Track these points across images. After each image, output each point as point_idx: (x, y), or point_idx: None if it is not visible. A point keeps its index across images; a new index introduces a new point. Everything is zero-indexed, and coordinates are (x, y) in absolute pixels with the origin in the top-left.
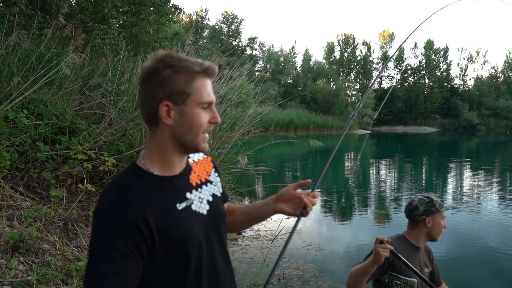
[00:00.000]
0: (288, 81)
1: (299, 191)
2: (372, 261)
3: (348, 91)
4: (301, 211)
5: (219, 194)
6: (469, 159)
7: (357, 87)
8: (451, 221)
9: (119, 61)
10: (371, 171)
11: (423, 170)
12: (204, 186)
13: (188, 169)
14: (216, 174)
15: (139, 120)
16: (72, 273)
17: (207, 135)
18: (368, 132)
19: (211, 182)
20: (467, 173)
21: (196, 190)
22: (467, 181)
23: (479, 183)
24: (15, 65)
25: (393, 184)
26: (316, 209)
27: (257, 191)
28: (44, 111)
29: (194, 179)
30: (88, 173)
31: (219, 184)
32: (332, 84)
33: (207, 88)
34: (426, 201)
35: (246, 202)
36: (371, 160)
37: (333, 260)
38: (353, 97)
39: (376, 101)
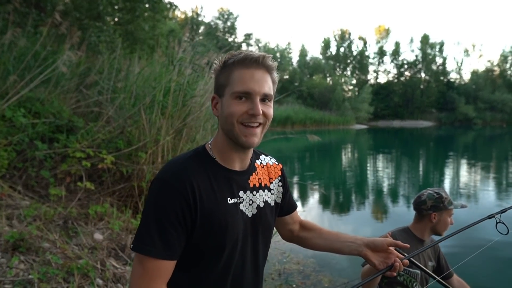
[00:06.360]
0: (285, 77)
1: (392, 248)
2: None
3: (344, 86)
4: (386, 269)
5: (272, 204)
6: (467, 152)
7: (354, 82)
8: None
9: (115, 59)
10: (370, 166)
11: (423, 164)
12: (260, 191)
13: (251, 169)
14: (280, 184)
15: (137, 117)
16: (73, 271)
17: (254, 130)
18: (365, 127)
19: (269, 189)
20: (465, 166)
21: (251, 192)
22: (465, 174)
23: (477, 175)
24: (10, 63)
25: (392, 178)
26: (316, 203)
27: None
28: (41, 109)
29: (253, 180)
30: (86, 171)
31: (279, 194)
32: (328, 79)
33: (245, 79)
34: (435, 196)
35: None
36: (369, 154)
37: (333, 255)
38: (350, 92)
39: (373, 95)
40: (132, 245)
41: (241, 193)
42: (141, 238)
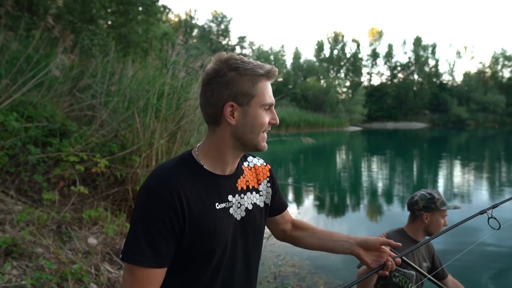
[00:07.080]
0: (279, 80)
1: (384, 247)
2: None
3: (338, 89)
4: (378, 268)
5: (262, 205)
6: (460, 153)
7: (347, 84)
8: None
9: (108, 62)
10: (364, 168)
11: (416, 165)
12: (248, 193)
13: (239, 172)
14: (269, 185)
15: (130, 121)
16: (67, 276)
17: (265, 134)
18: (359, 128)
19: (257, 191)
20: (458, 166)
21: (239, 195)
22: (458, 174)
23: (470, 175)
24: (3, 67)
25: (387, 179)
26: (311, 205)
27: None
28: (34, 113)
29: (241, 183)
30: (80, 175)
31: (268, 195)
32: (322, 81)
33: (269, 91)
34: (427, 197)
35: None
36: (364, 156)
37: (328, 257)
38: (343, 94)
39: (367, 97)
40: (121, 255)
41: (230, 197)
42: (130, 247)
